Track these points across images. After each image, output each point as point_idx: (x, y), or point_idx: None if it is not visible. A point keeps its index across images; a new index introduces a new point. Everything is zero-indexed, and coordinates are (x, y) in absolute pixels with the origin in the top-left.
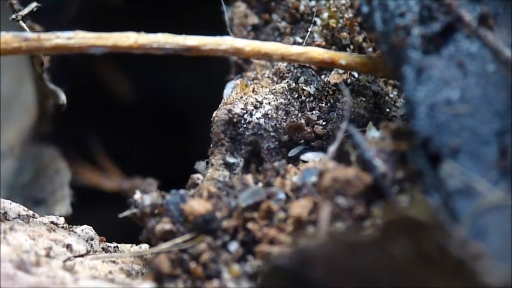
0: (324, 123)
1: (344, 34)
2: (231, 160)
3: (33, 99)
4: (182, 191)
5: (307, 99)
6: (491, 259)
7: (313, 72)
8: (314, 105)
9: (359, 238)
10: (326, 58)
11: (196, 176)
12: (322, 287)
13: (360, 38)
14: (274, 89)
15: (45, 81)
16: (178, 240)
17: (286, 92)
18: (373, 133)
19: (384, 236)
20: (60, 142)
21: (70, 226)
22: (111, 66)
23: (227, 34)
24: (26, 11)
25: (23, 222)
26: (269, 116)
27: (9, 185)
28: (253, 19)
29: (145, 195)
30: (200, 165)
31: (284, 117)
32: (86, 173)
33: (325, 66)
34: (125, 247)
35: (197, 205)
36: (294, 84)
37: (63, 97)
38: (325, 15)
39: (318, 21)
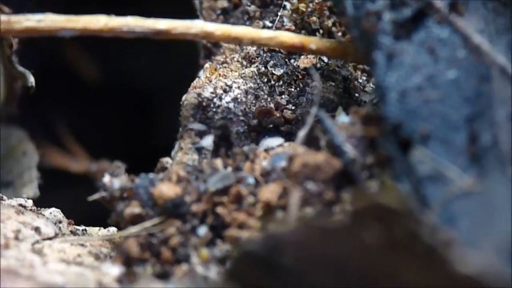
0: (293, 107)
1: (314, 18)
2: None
3: (1, 81)
4: (151, 175)
5: (277, 84)
6: (461, 246)
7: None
8: (283, 90)
9: (329, 224)
10: (296, 43)
11: (165, 159)
12: (293, 273)
13: (329, 23)
14: (243, 73)
15: (13, 63)
16: (147, 224)
17: (255, 76)
18: (343, 118)
19: (354, 222)
20: (28, 124)
21: (38, 208)
22: (78, 49)
23: (197, 17)
24: None
25: None
26: (239, 100)
27: None
28: (223, 3)
29: (114, 179)
30: None
31: (254, 101)
32: (54, 155)
33: (295, 51)
34: (93, 230)
35: (166, 189)
36: (263, 69)
37: (31, 79)
38: None
39: (288, 5)
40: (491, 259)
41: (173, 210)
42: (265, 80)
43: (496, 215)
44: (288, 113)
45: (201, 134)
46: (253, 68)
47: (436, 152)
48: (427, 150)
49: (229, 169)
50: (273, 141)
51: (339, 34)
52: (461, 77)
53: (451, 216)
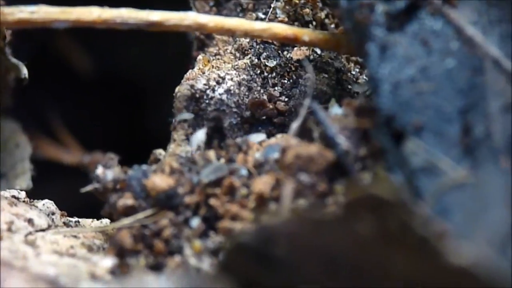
0: (286, 99)
1: (307, 10)
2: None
3: None
4: (144, 166)
5: (270, 75)
6: (454, 237)
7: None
8: (276, 81)
9: (322, 215)
10: (289, 34)
11: (158, 151)
12: (286, 264)
13: (322, 15)
14: (236, 65)
15: (6, 55)
16: (140, 215)
17: (248, 68)
18: (336, 109)
19: (347, 213)
20: (21, 116)
21: (31, 200)
22: (71, 41)
23: (190, 9)
24: None
25: None
26: (232, 92)
27: None
28: None
29: (108, 170)
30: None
31: (247, 93)
32: (47, 147)
33: (288, 42)
34: (86, 222)
35: (159, 181)
36: (256, 60)
37: (24, 71)
38: None
39: None
40: (483, 251)
41: (166, 201)
42: (258, 71)
43: (489, 206)
44: (281, 105)
45: (193, 125)
46: (246, 60)
47: (429, 144)
48: (420, 141)
49: (222, 160)
50: (256, 137)
51: (332, 26)
52: (454, 69)
53: (444, 207)
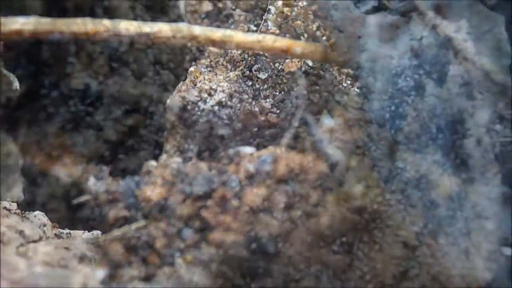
0: (278, 111)
1: (299, 22)
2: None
3: None
4: (136, 178)
5: (261, 87)
6: (447, 247)
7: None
8: (268, 93)
9: (314, 226)
10: (281, 46)
11: (150, 162)
12: (277, 275)
13: (314, 27)
14: (228, 76)
15: None
16: (132, 226)
17: (240, 80)
18: (328, 121)
19: (338, 223)
20: (12, 127)
21: (23, 212)
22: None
23: (181, 21)
24: None
25: None
26: (223, 103)
27: None
28: (207, 6)
29: (99, 181)
30: None
31: (238, 105)
32: (38, 158)
33: (280, 54)
34: (77, 233)
35: (151, 192)
36: (248, 72)
37: (16, 83)
38: (279, 3)
39: (273, 9)
40: (479, 266)
41: (158, 212)
42: (250, 83)
43: (481, 218)
44: (273, 117)
45: (184, 137)
46: (237, 72)
47: (421, 155)
48: (412, 153)
49: (214, 172)
50: (248, 149)
51: (324, 38)
52: (446, 80)
53: (437, 219)
